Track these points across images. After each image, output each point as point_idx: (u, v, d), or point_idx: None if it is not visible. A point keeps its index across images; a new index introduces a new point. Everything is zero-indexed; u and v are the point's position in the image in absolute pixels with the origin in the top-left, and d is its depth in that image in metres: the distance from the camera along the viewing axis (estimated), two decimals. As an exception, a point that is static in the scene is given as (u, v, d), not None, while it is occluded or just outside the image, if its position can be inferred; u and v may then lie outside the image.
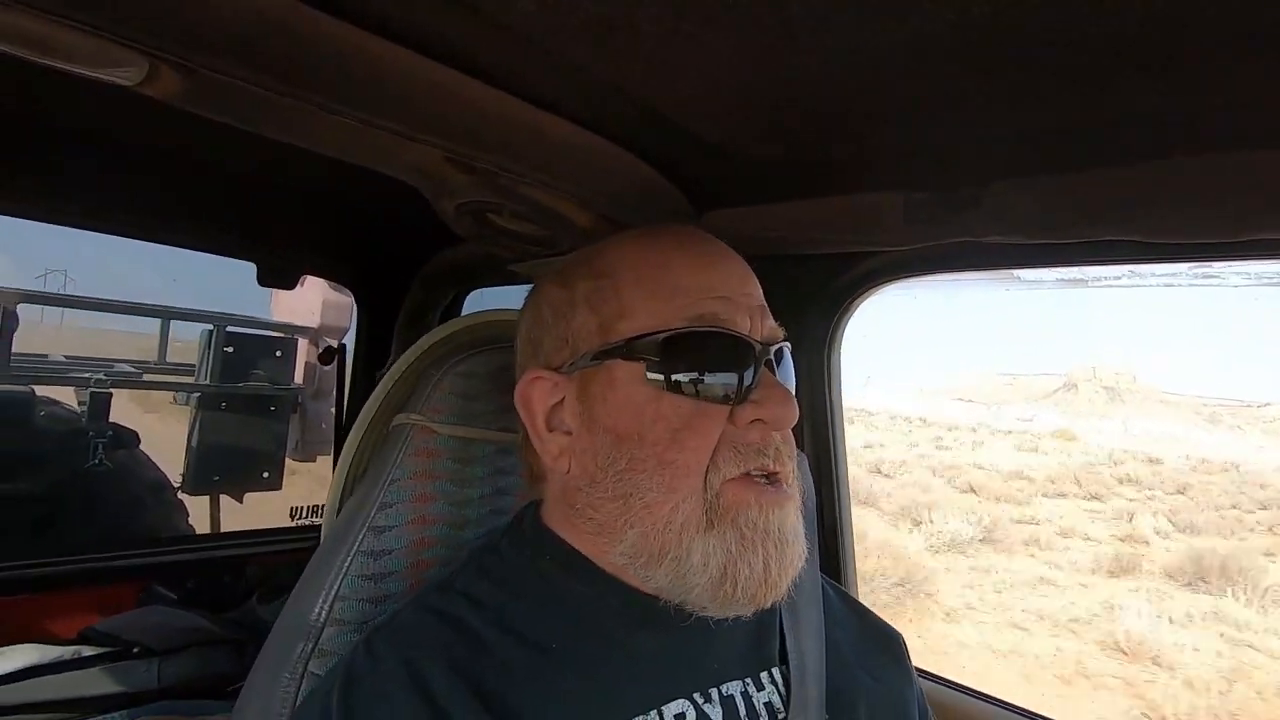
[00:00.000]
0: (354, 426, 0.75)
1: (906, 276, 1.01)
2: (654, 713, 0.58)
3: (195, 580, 1.67)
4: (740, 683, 0.64)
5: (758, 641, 0.68)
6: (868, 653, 0.76)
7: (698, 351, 0.62)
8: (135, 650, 1.32)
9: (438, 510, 0.73)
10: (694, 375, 0.61)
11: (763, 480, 0.62)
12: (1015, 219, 0.80)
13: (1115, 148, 0.73)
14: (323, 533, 0.76)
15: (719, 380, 0.62)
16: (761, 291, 0.69)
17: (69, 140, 1.28)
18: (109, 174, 1.40)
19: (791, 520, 0.63)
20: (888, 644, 0.80)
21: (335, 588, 0.67)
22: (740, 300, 0.65)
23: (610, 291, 0.65)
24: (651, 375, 0.61)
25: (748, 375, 0.63)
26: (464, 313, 1.92)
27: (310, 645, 0.65)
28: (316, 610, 0.66)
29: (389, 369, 0.83)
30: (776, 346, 0.66)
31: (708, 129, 0.89)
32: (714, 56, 0.70)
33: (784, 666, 0.68)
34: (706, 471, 0.61)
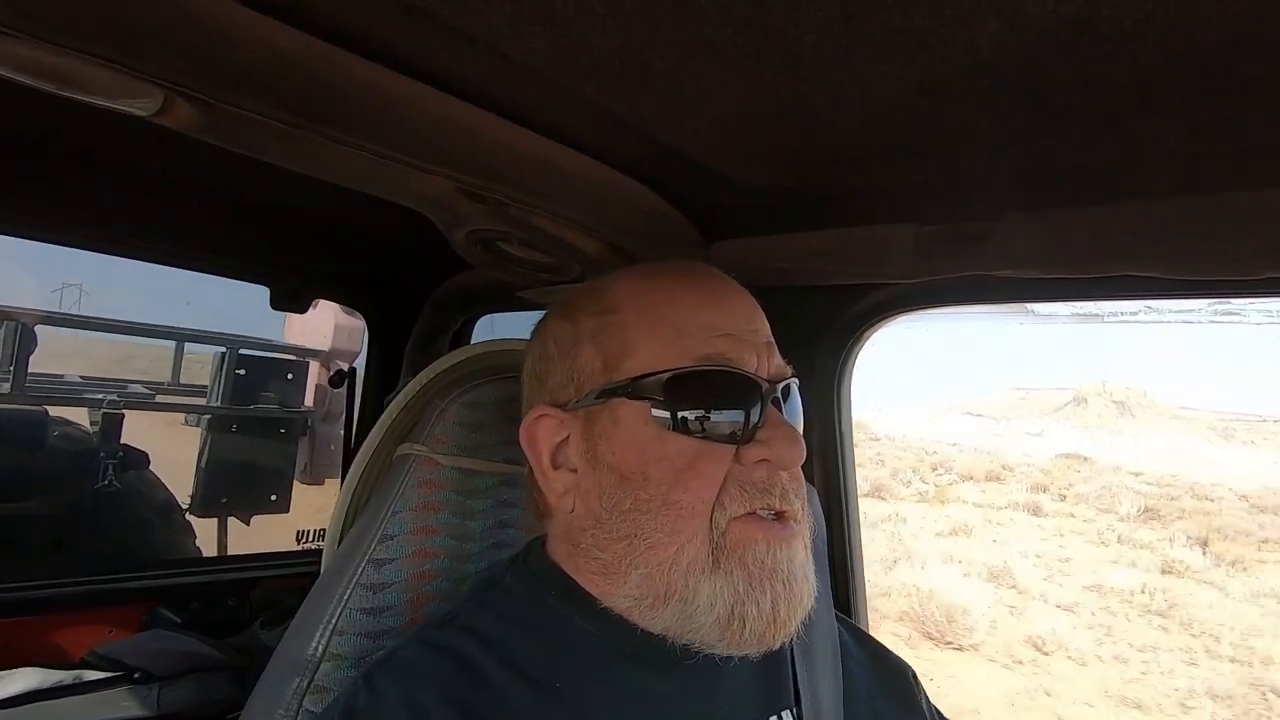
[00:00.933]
0: (358, 455, 0.75)
1: (917, 309, 1.00)
2: None
3: (200, 603, 1.66)
4: None
5: (769, 682, 0.67)
6: (882, 693, 0.75)
7: (703, 391, 0.61)
8: (136, 675, 1.31)
9: (440, 543, 0.72)
10: (699, 415, 0.60)
11: (770, 517, 0.61)
12: (1026, 253, 0.79)
13: (1128, 183, 0.73)
14: (323, 564, 0.75)
15: (724, 419, 0.61)
16: (769, 327, 0.68)
17: (85, 165, 1.31)
18: (125, 198, 1.42)
19: (800, 558, 0.62)
20: (900, 682, 0.78)
21: (333, 622, 0.66)
22: (747, 337, 0.64)
23: (615, 329, 0.65)
24: (656, 414, 0.61)
25: (754, 414, 0.62)
26: (474, 337, 1.94)
27: (306, 681, 0.64)
28: (314, 645, 0.65)
29: (395, 396, 0.83)
30: (784, 384, 0.65)
31: (717, 161, 0.90)
32: (724, 92, 0.70)
33: (797, 709, 0.66)
34: (712, 511, 0.60)
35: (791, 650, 0.69)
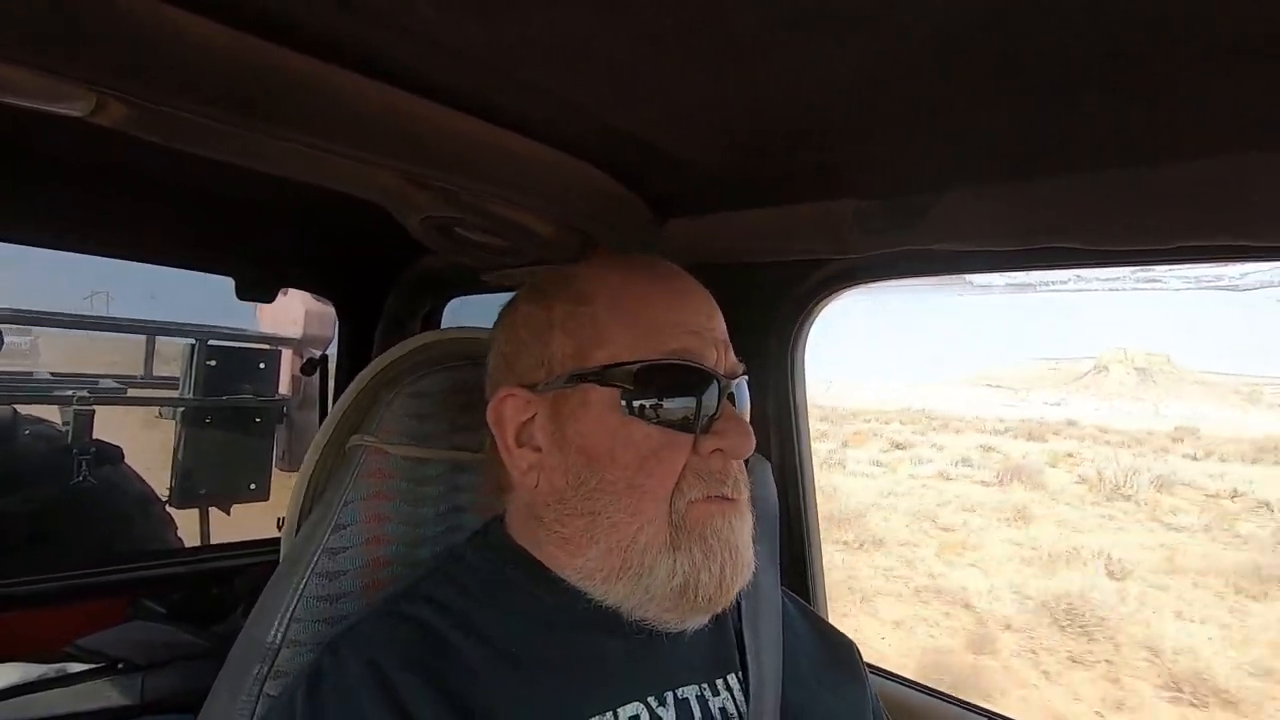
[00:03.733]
0: (310, 447, 0.76)
1: (862, 283, 1.02)
2: (609, 714, 0.60)
3: (183, 593, 1.68)
4: (696, 687, 0.66)
5: (716, 648, 0.70)
6: (825, 665, 0.78)
7: (669, 383, 0.65)
8: (120, 666, 1.33)
9: (392, 530, 0.74)
10: (664, 405, 0.65)
11: (719, 498, 0.66)
12: (962, 227, 0.81)
13: (1056, 159, 0.75)
14: (281, 553, 0.77)
15: (686, 411, 0.65)
16: (725, 326, 0.72)
17: (40, 162, 1.29)
18: (82, 194, 1.40)
19: (746, 530, 0.67)
20: (843, 655, 0.82)
21: (291, 609, 0.68)
22: (708, 335, 0.69)
23: (588, 318, 0.68)
24: (624, 402, 0.65)
25: (711, 407, 0.66)
26: (444, 321, 1.94)
27: (266, 667, 0.66)
28: (273, 633, 0.67)
29: (345, 390, 0.84)
30: (735, 379, 0.70)
31: (668, 142, 0.90)
32: (672, 76, 0.71)
33: (742, 673, 0.70)
34: (672, 496, 0.64)
35: (739, 620, 0.73)
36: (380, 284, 1.83)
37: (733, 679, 0.69)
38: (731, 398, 0.69)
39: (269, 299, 1.77)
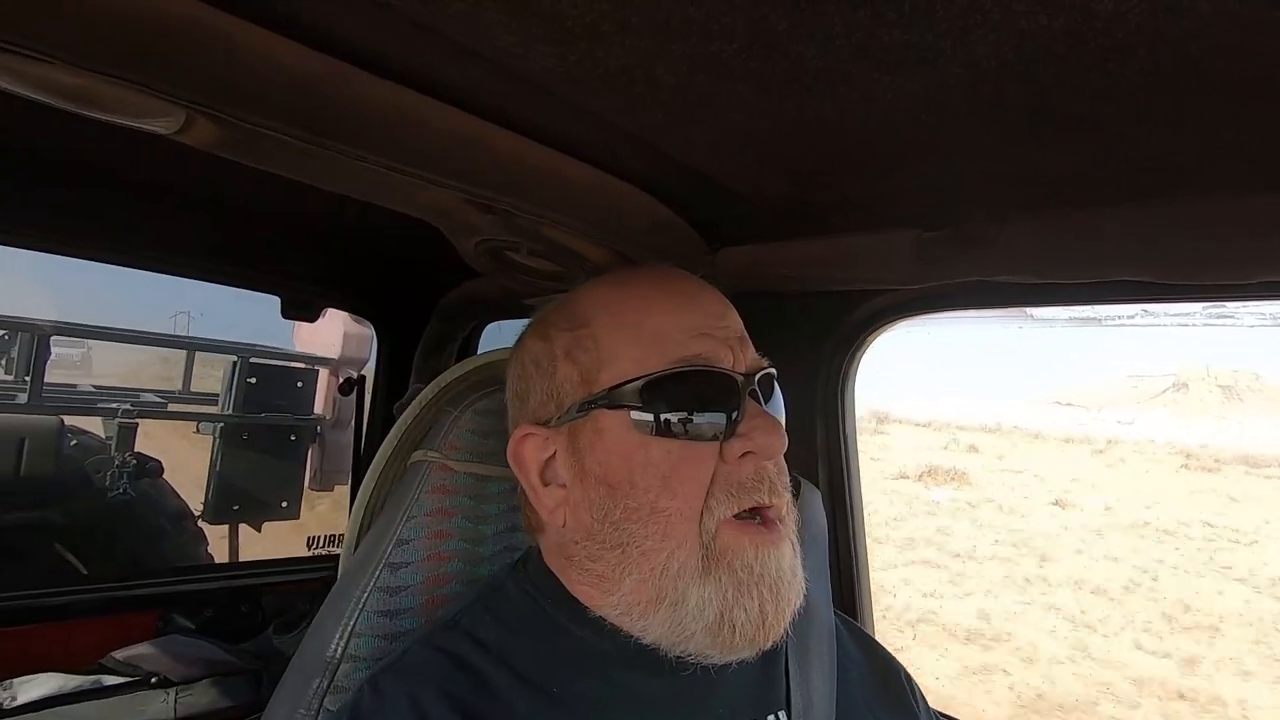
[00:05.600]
0: (373, 462, 0.77)
1: (919, 314, 1.01)
2: None
3: (213, 609, 1.69)
4: None
5: (764, 684, 0.67)
6: (878, 693, 0.75)
7: (680, 393, 0.62)
8: (153, 680, 1.33)
9: (454, 547, 0.74)
10: (680, 416, 0.61)
11: (756, 520, 0.62)
12: (1025, 258, 0.80)
13: (1122, 189, 0.74)
14: (340, 567, 0.77)
15: (705, 419, 0.62)
16: (741, 322, 0.69)
17: (100, 179, 1.33)
18: (140, 212, 1.45)
19: (787, 560, 0.62)
20: (894, 682, 0.78)
21: (352, 624, 0.68)
22: (720, 334, 0.65)
23: (588, 341, 0.66)
24: (636, 420, 0.61)
25: (733, 409, 0.62)
26: (481, 344, 1.96)
27: (326, 682, 0.65)
28: (333, 647, 0.67)
29: (408, 404, 0.84)
30: (761, 374, 0.66)
31: (722, 170, 0.91)
32: (730, 105, 0.72)
33: (789, 710, 0.67)
34: (701, 515, 0.60)
35: (786, 651, 0.69)
36: (421, 307, 1.86)
37: (782, 715, 0.66)
38: (756, 395, 0.64)
39: (313, 318, 1.80)
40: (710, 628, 0.59)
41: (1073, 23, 0.52)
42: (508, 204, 0.94)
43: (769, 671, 0.68)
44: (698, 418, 0.61)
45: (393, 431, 0.77)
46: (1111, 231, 0.76)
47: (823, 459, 1.06)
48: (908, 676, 0.79)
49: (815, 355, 1.08)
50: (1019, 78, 0.60)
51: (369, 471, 0.76)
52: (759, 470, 0.62)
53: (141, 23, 0.61)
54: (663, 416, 0.61)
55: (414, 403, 0.78)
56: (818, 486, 0.99)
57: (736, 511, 0.61)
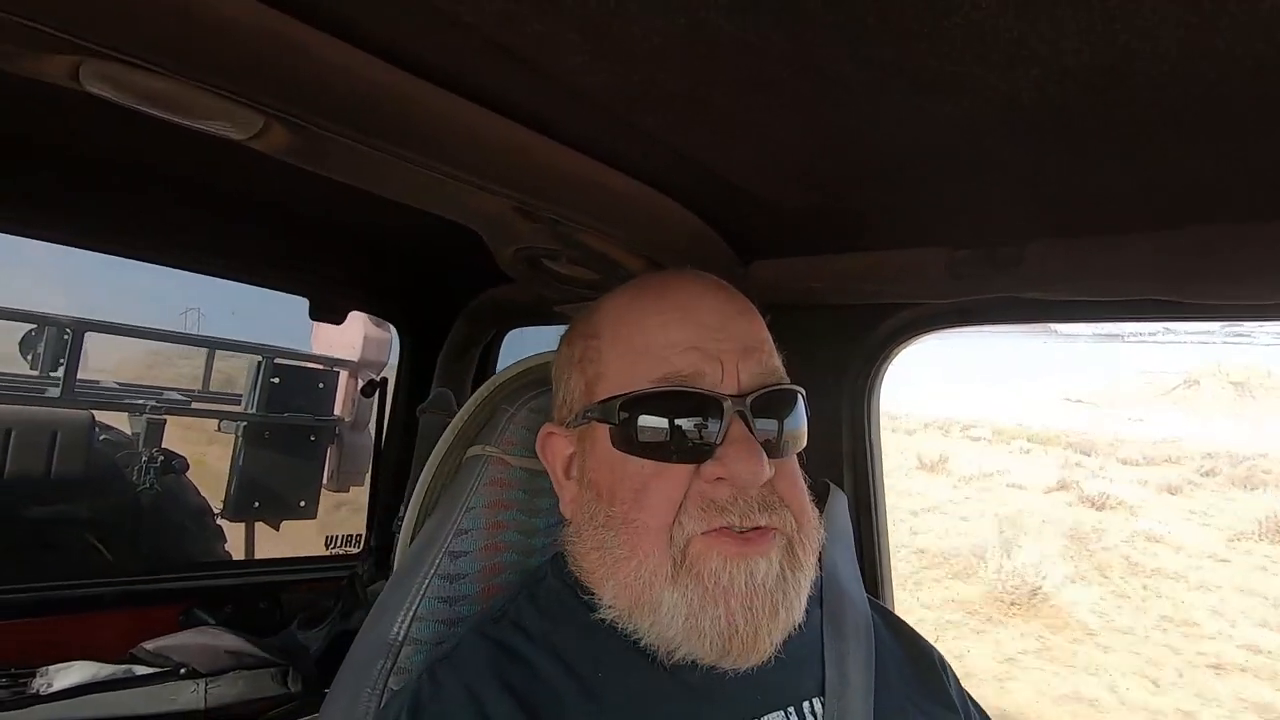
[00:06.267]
0: (430, 457, 0.80)
1: (946, 328, 1.05)
2: None
3: (233, 605, 1.71)
4: (781, 713, 0.65)
5: (800, 671, 0.69)
6: (913, 680, 0.76)
7: (658, 413, 0.62)
8: (182, 671, 1.36)
9: (509, 539, 0.78)
10: (653, 438, 0.62)
11: (735, 530, 0.61)
12: (1053, 277, 0.84)
13: (1149, 213, 0.78)
14: (396, 558, 0.80)
15: (678, 441, 0.62)
16: (750, 328, 0.68)
17: (133, 175, 1.37)
18: (173, 210, 1.48)
19: (761, 573, 0.61)
20: (926, 666, 0.79)
21: (414, 608, 0.71)
22: (712, 348, 0.64)
23: (595, 353, 0.68)
24: (614, 437, 0.64)
25: (712, 432, 0.62)
26: (503, 350, 1.99)
27: (390, 663, 0.69)
28: (395, 630, 0.70)
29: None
30: (757, 394, 0.64)
31: (759, 185, 0.95)
32: (774, 123, 0.76)
33: (825, 697, 0.68)
34: (671, 529, 0.61)
35: (823, 641, 0.71)
36: (445, 312, 1.89)
37: (817, 703, 0.68)
38: (744, 416, 0.62)
39: (339, 320, 1.84)
40: (683, 633, 0.60)
41: (1114, 59, 0.56)
42: (554, 212, 0.98)
43: (806, 659, 0.69)
44: (672, 439, 0.62)
45: (449, 429, 0.81)
46: (1135, 253, 0.80)
47: (848, 464, 1.09)
48: (941, 659, 0.81)
49: (843, 366, 1.12)
50: (1056, 109, 0.64)
51: (426, 466, 0.80)
52: (733, 494, 0.62)
53: (225, 31, 0.64)
54: (637, 434, 0.62)
55: (469, 402, 0.82)
56: (843, 489, 1.03)
57: (706, 529, 0.61)
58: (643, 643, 0.62)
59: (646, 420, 0.62)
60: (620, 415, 0.63)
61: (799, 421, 0.68)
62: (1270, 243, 0.72)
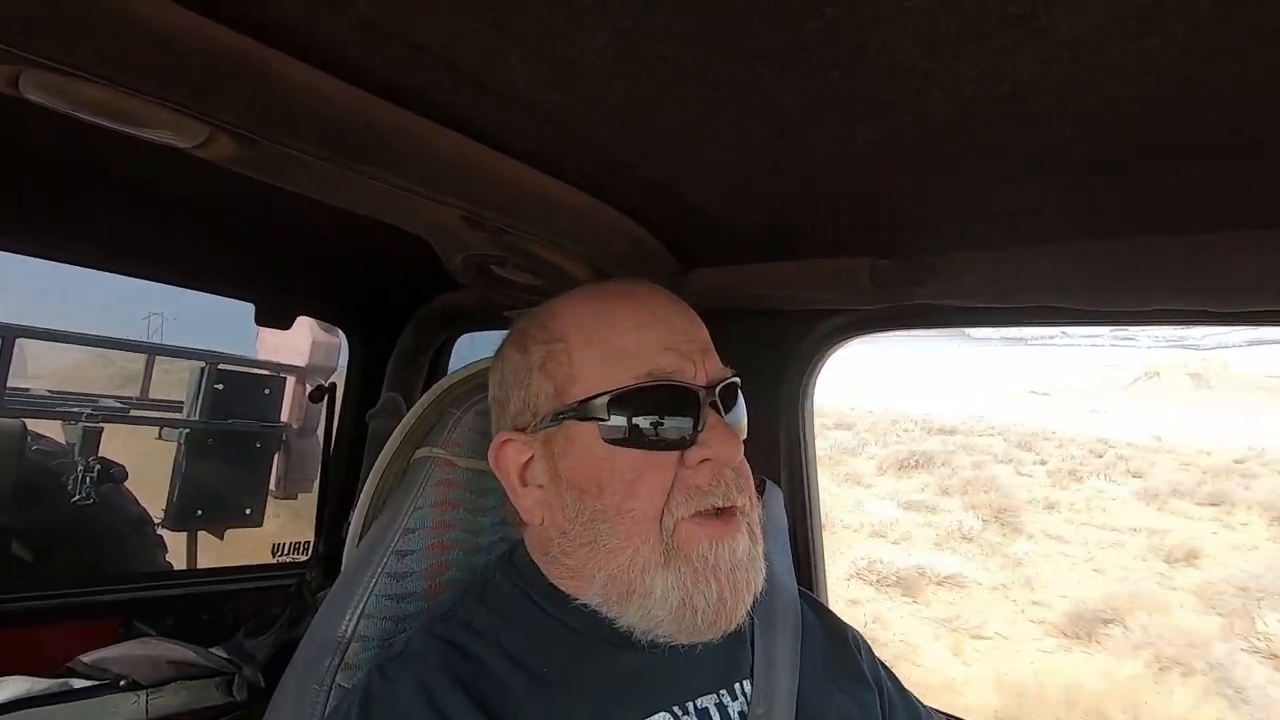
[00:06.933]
0: (378, 459, 0.82)
1: (872, 332, 1.12)
2: None
3: (175, 616, 1.68)
4: (715, 695, 0.70)
5: (731, 656, 0.74)
6: (834, 659, 0.82)
7: (645, 406, 0.67)
8: (122, 683, 1.33)
9: (455, 538, 0.80)
10: (642, 429, 0.67)
11: (713, 513, 0.68)
12: (967, 285, 0.92)
13: (1050, 228, 0.86)
14: (345, 557, 0.82)
15: (666, 430, 0.67)
16: (706, 333, 0.74)
17: (73, 178, 1.33)
18: (120, 215, 1.45)
19: (742, 549, 0.68)
20: (843, 643, 0.84)
21: (362, 606, 0.73)
22: (684, 348, 0.70)
23: (562, 356, 0.71)
24: (604, 432, 0.67)
25: (694, 420, 0.68)
26: (455, 355, 2.00)
27: (338, 660, 0.71)
28: (343, 627, 0.72)
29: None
30: (722, 385, 0.71)
31: (700, 198, 1.00)
32: (715, 142, 0.80)
33: (752, 678, 0.73)
34: (661, 515, 0.66)
35: (752, 627, 0.76)
36: (396, 318, 1.89)
37: (747, 684, 0.73)
38: (716, 406, 0.69)
39: (286, 326, 1.82)
40: (675, 614, 0.65)
41: (1010, 89, 0.62)
42: (501, 222, 1.01)
43: (737, 644, 0.74)
44: (661, 429, 0.67)
45: (396, 431, 0.83)
46: (1039, 264, 0.88)
47: (785, 462, 1.15)
48: (854, 637, 0.86)
49: (779, 369, 1.18)
50: (961, 133, 0.71)
51: (374, 467, 0.82)
52: (716, 475, 0.68)
53: (172, 44, 0.65)
54: (628, 426, 0.67)
55: (417, 404, 0.84)
56: (780, 486, 1.08)
57: (693, 512, 0.67)
58: (620, 628, 0.67)
59: (637, 414, 0.67)
60: (608, 411, 0.67)
61: (744, 412, 0.76)
62: (1154, 255, 0.80)
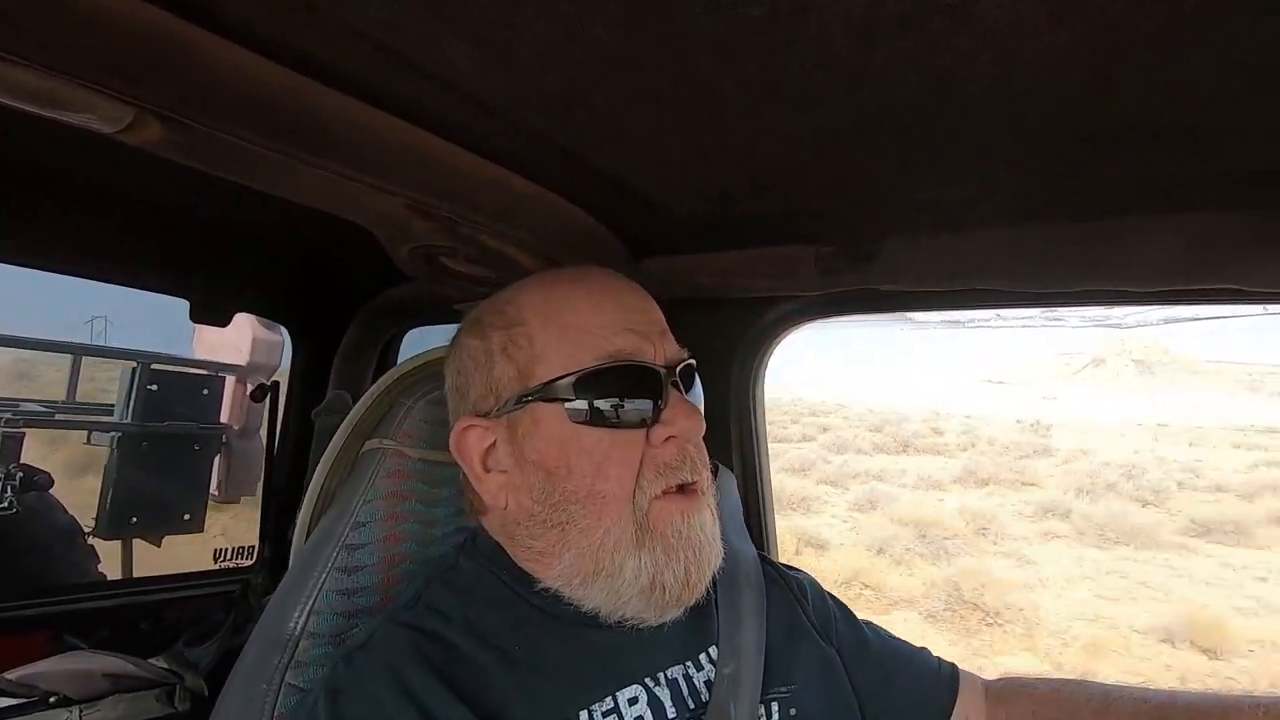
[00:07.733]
0: (325, 452, 0.80)
1: (819, 318, 1.15)
2: (609, 699, 0.66)
3: (110, 629, 1.60)
4: (682, 666, 0.72)
5: (697, 627, 0.75)
6: (800, 612, 0.84)
7: (609, 386, 0.68)
8: (53, 700, 1.26)
9: (408, 529, 0.79)
10: (609, 407, 0.68)
11: (677, 491, 0.70)
12: (905, 270, 0.95)
13: (980, 215, 0.90)
14: (292, 554, 0.80)
15: (632, 408, 0.69)
16: (662, 316, 0.76)
17: None
18: (34, 206, 1.37)
19: (709, 523, 0.71)
20: (806, 595, 0.86)
21: (311, 602, 0.71)
22: (643, 329, 0.72)
23: (524, 340, 0.72)
24: (570, 412, 0.68)
25: (657, 398, 0.70)
26: (403, 349, 1.96)
27: (286, 658, 0.69)
28: (292, 624, 0.70)
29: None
30: (681, 365, 0.73)
31: (648, 187, 1.01)
32: (659, 131, 0.81)
33: (718, 644, 0.75)
34: (634, 494, 0.68)
35: (715, 595, 0.77)
36: (340, 312, 1.84)
37: (713, 651, 0.75)
38: (677, 385, 0.71)
39: (224, 323, 1.75)
40: (644, 592, 0.67)
41: (929, 83, 0.65)
42: (450, 211, 1.00)
43: (702, 616, 0.76)
44: (626, 407, 0.68)
45: (345, 423, 0.81)
46: (974, 248, 0.92)
47: (736, 447, 1.17)
48: (799, 584, 0.88)
49: (729, 356, 1.20)
50: (894, 122, 0.74)
51: (322, 461, 0.80)
52: (682, 450, 0.70)
53: (96, 20, 0.63)
54: (594, 406, 0.68)
55: (365, 395, 0.82)
56: (732, 471, 1.10)
57: (663, 489, 0.68)
58: (586, 609, 0.68)
59: (602, 394, 0.68)
60: (574, 391, 0.68)
61: (700, 393, 0.78)
62: (1071, 240, 0.85)
